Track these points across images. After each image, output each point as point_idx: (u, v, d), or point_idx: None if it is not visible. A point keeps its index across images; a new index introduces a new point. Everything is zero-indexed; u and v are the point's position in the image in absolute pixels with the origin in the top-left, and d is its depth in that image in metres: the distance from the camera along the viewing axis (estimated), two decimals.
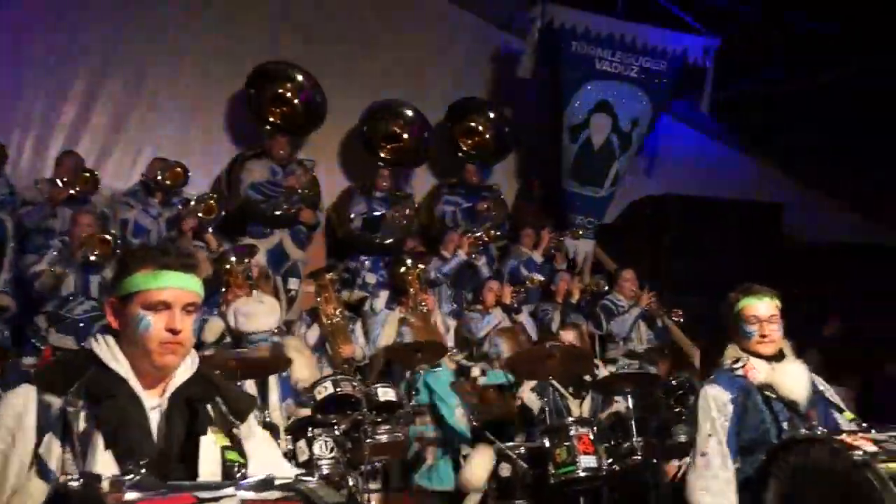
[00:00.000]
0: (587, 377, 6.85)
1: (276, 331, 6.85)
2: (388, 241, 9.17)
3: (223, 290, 7.19)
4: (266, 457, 2.46)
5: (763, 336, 3.68)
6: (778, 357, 3.72)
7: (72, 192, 7.52)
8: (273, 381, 6.14)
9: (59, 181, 7.56)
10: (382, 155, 9.75)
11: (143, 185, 8.24)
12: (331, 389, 6.06)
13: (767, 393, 3.62)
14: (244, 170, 8.79)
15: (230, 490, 1.90)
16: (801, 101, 10.60)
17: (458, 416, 6.88)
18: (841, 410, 3.74)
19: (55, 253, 6.86)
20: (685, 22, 10.25)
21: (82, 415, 2.18)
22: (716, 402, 3.63)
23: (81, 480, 1.92)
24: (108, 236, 6.94)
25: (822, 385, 3.82)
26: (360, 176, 9.83)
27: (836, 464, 3.02)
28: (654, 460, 5.75)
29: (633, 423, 5.97)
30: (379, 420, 6.12)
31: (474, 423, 6.47)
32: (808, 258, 10.68)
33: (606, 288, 8.98)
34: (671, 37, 10.25)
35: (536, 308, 9.02)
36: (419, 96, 10.14)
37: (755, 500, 3.34)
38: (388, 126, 9.86)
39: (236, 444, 2.36)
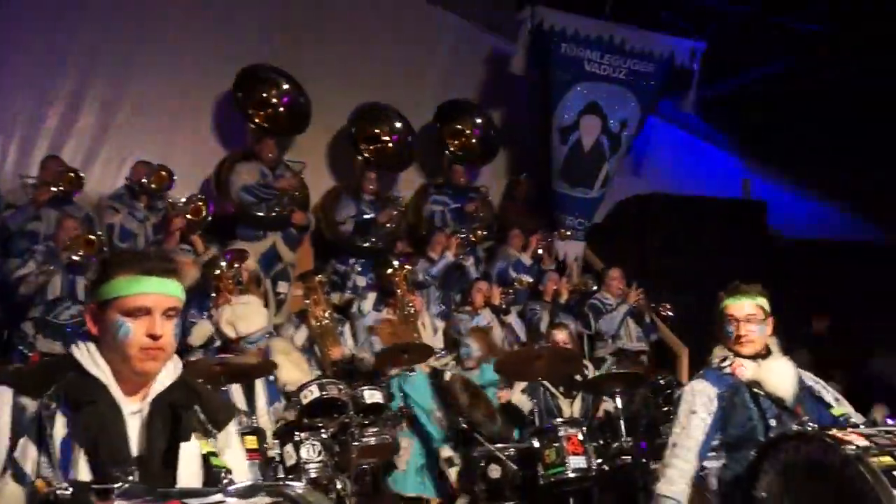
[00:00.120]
0: (577, 377, 6.86)
1: (271, 331, 6.85)
2: (379, 245, 9.14)
3: (213, 294, 7.14)
4: (238, 469, 2.41)
5: (739, 336, 3.70)
6: (764, 354, 3.73)
7: (54, 189, 7.46)
8: (260, 385, 6.11)
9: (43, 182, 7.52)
10: (367, 156, 9.73)
11: (129, 189, 8.18)
12: (317, 393, 6.05)
13: (755, 390, 3.64)
14: (233, 172, 8.75)
15: (218, 496, 1.88)
16: (785, 100, 10.66)
17: (433, 421, 6.83)
18: (829, 406, 3.76)
19: (40, 257, 6.81)
20: (673, 23, 10.26)
21: (61, 420, 2.15)
22: (700, 397, 3.66)
23: (71, 489, 1.90)
24: (92, 237, 6.90)
25: (812, 381, 3.84)
26: (347, 177, 9.81)
27: (828, 458, 3.04)
28: (643, 460, 5.77)
29: (622, 422, 5.98)
30: (366, 422, 6.10)
31: (463, 426, 6.42)
32: (792, 255, 10.75)
33: (595, 288, 8.99)
34: (658, 39, 10.28)
35: (525, 308, 9.03)
36: (408, 96, 10.15)
37: (746, 496, 3.35)
38: (373, 128, 9.86)
39: None
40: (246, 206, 8.58)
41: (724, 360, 3.74)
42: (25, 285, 6.65)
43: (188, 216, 7.88)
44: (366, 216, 9.10)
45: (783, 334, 3.89)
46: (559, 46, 10.06)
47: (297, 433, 5.65)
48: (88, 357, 2.26)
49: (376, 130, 9.90)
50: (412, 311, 7.89)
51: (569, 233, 10.13)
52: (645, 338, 8.69)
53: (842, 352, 9.65)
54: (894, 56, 9.49)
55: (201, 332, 6.93)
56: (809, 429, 3.29)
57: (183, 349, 7.04)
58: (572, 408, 6.73)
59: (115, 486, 1.90)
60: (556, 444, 5.82)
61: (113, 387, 2.24)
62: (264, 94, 9.32)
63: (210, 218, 8.07)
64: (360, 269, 8.94)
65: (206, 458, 2.27)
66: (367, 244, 9.06)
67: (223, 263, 7.35)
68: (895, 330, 9.91)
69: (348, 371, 7.53)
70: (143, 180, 8.04)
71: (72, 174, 7.67)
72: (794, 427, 3.43)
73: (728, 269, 8.65)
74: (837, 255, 11.01)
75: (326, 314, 7.68)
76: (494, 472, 6.01)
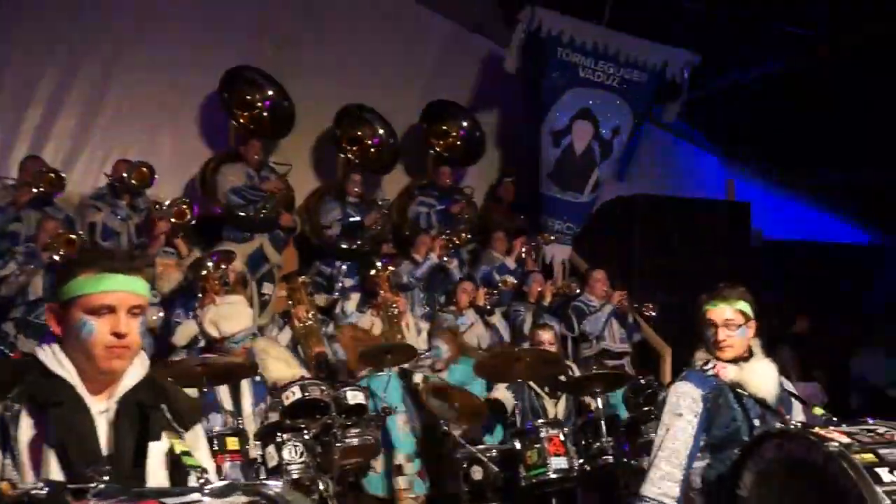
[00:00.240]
0: (562, 377, 6.85)
1: (255, 332, 6.82)
2: (365, 248, 9.11)
3: (200, 295, 7.09)
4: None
5: (718, 341, 3.69)
6: (746, 357, 3.73)
7: (35, 190, 7.40)
8: (246, 386, 6.08)
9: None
10: (351, 157, 9.71)
11: (111, 187, 8.14)
12: (299, 394, 6.01)
13: (739, 391, 3.65)
14: (219, 174, 8.72)
15: (195, 495, 1.87)
16: (768, 102, 10.70)
17: (399, 424, 6.72)
18: (807, 405, 3.79)
19: (21, 258, 6.77)
20: (668, 30, 10.23)
21: (27, 422, 2.13)
22: (685, 399, 3.65)
23: (47, 489, 1.88)
24: (73, 236, 6.86)
25: (786, 384, 3.87)
26: (332, 178, 9.78)
27: (811, 456, 3.04)
28: (625, 460, 5.77)
29: (602, 422, 5.98)
30: (349, 423, 6.06)
31: (445, 428, 6.35)
32: (776, 256, 10.81)
33: (578, 291, 8.98)
34: (652, 49, 10.25)
35: (509, 308, 9.02)
36: (395, 97, 10.15)
37: (730, 495, 3.36)
38: (356, 130, 9.85)
39: None
40: (233, 208, 8.55)
41: (707, 362, 3.74)
42: (6, 286, 6.62)
43: (172, 219, 7.83)
44: (352, 219, 9.07)
45: (766, 334, 3.90)
46: (556, 51, 10.05)
47: (279, 434, 5.61)
48: (53, 358, 2.23)
49: (358, 133, 9.87)
50: (396, 312, 7.86)
51: (553, 237, 10.11)
52: (628, 338, 8.70)
53: (823, 351, 9.73)
54: (877, 58, 9.54)
55: (186, 332, 6.95)
56: (793, 427, 3.30)
57: (169, 349, 7.05)
58: (557, 408, 6.73)
59: (91, 485, 1.87)
60: (537, 446, 5.82)
61: (79, 387, 2.21)
62: (248, 97, 9.30)
63: (194, 221, 8.04)
64: (346, 270, 8.92)
65: (176, 457, 2.23)
66: (353, 247, 9.04)
67: (210, 264, 7.30)
68: (876, 330, 10.00)
69: (332, 371, 7.51)
70: (124, 175, 7.98)
71: (52, 175, 7.62)
72: (778, 425, 3.45)
73: (712, 269, 8.74)
74: (820, 256, 11.08)
75: (310, 315, 7.67)
76: (476, 473, 5.99)
